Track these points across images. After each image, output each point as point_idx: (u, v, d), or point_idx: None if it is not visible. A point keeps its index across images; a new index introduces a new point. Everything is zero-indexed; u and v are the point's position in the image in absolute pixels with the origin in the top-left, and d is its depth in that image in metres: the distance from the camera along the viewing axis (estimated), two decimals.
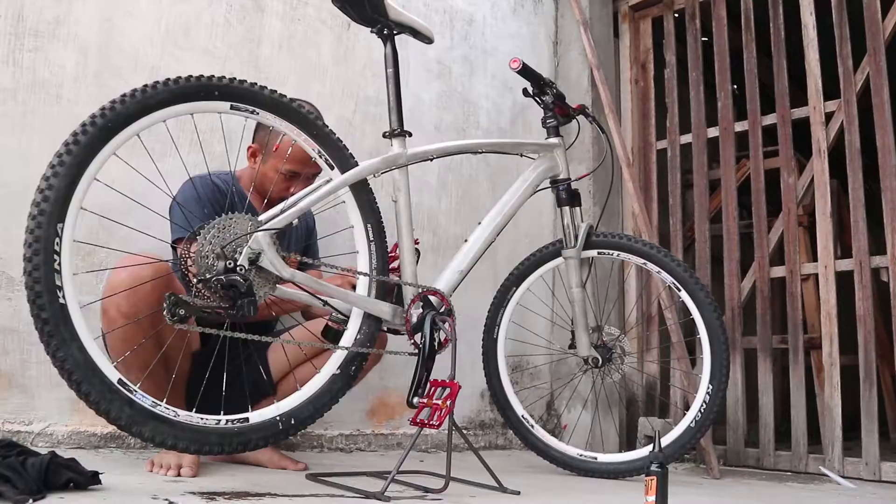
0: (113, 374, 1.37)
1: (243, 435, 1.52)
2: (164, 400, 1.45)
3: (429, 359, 1.75)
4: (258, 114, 1.61)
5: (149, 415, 1.39)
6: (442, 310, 1.86)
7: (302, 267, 1.78)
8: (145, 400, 1.40)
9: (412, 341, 1.83)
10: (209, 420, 1.48)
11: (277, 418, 1.57)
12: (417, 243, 1.89)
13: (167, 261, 1.71)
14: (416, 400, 1.71)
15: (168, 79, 1.48)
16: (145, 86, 1.45)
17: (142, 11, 2.23)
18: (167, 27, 2.27)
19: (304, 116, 1.68)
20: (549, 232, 3.23)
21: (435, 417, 1.65)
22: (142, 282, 1.60)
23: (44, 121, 2.02)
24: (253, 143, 2.08)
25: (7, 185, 1.93)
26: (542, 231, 3.21)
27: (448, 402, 1.65)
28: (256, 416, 1.56)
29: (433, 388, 1.71)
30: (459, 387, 1.68)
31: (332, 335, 1.78)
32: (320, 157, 1.72)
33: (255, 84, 1.60)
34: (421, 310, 1.82)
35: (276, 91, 1.63)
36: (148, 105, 1.44)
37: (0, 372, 1.91)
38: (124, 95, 1.42)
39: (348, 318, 1.77)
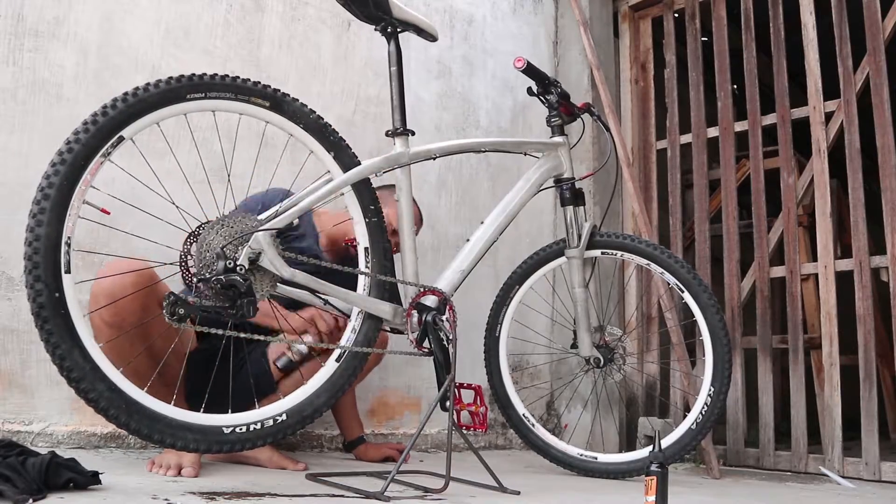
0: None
1: None
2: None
3: (446, 363, 1.75)
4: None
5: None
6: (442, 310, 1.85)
7: None
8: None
9: (413, 341, 1.82)
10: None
11: None
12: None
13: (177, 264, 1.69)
14: (447, 404, 1.70)
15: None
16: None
17: (142, 11, 2.23)
18: (167, 27, 2.27)
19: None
20: (550, 231, 3.23)
21: (478, 421, 1.84)
22: (123, 289, 1.60)
23: (44, 121, 2.02)
24: None
25: (7, 184, 1.93)
26: (543, 230, 3.21)
27: (482, 409, 1.79)
28: None
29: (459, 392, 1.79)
30: (479, 386, 1.84)
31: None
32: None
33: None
34: (422, 310, 1.82)
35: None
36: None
37: (0, 372, 1.91)
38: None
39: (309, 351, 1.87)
